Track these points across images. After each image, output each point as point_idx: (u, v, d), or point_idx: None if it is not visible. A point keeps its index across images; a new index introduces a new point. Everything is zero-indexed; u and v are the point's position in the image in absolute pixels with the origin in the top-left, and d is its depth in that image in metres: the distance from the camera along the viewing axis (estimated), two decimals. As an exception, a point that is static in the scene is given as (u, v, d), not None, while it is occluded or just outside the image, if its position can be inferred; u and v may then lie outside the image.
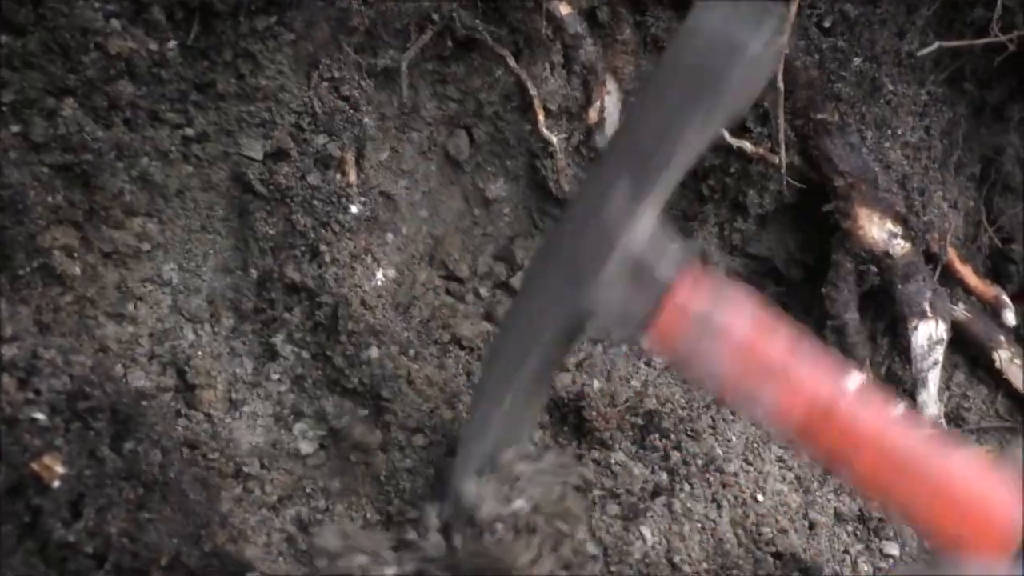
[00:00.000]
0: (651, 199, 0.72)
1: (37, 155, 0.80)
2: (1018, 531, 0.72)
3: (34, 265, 0.81)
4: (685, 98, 0.71)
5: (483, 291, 1.48)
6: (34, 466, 0.59)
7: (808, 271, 1.40)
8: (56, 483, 0.59)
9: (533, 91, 1.29)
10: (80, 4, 0.81)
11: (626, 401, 1.18)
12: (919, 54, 1.14)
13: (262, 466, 0.95)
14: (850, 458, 0.73)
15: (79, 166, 0.83)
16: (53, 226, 0.85)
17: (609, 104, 1.33)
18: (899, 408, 0.77)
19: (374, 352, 1.06)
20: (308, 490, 0.99)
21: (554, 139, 1.30)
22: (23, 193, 0.75)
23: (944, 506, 0.73)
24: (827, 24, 1.19)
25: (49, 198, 0.82)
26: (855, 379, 0.76)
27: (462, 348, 1.25)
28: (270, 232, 1.08)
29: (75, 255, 0.88)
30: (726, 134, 1.23)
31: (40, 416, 0.61)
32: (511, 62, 1.27)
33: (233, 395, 1.03)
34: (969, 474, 0.74)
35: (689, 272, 0.73)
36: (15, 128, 0.79)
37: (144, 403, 0.72)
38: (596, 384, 1.23)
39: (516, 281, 1.46)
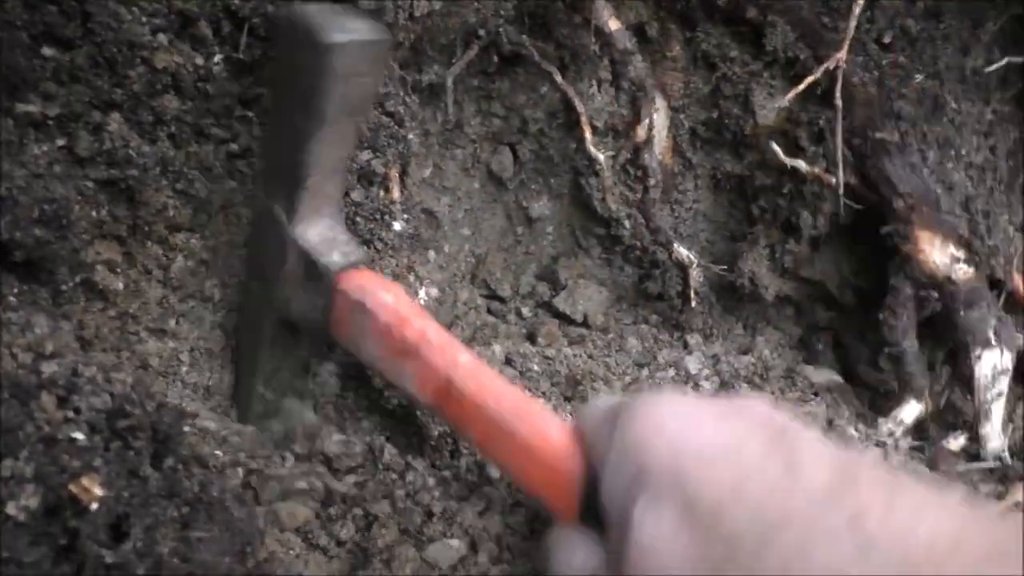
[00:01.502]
0: (305, 205, 0.83)
1: (82, 169, 0.80)
2: (573, 492, 0.72)
3: (77, 280, 0.81)
4: (289, 103, 0.79)
5: (525, 311, 1.46)
6: (72, 488, 0.57)
7: (863, 295, 1.36)
8: (94, 505, 0.57)
9: (580, 108, 1.27)
10: (128, 18, 0.80)
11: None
12: (987, 71, 1.09)
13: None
14: (467, 427, 0.78)
15: (124, 181, 0.82)
16: (97, 241, 0.84)
17: (658, 121, 1.30)
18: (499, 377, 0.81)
19: (415, 373, 1.03)
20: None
21: (601, 157, 1.28)
22: (67, 208, 0.75)
23: (531, 471, 0.75)
24: (887, 40, 1.15)
25: (93, 213, 0.82)
26: (466, 355, 0.80)
27: (508, 365, 1.23)
28: (312, 249, 1.07)
29: (118, 270, 0.87)
30: (779, 152, 1.20)
31: (79, 436, 0.59)
32: (558, 78, 1.25)
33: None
34: (548, 435, 0.74)
35: (359, 270, 0.85)
36: (60, 142, 0.78)
37: (184, 421, 0.70)
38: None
39: (559, 301, 1.43)
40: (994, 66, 1.10)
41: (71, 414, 0.62)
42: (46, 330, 0.68)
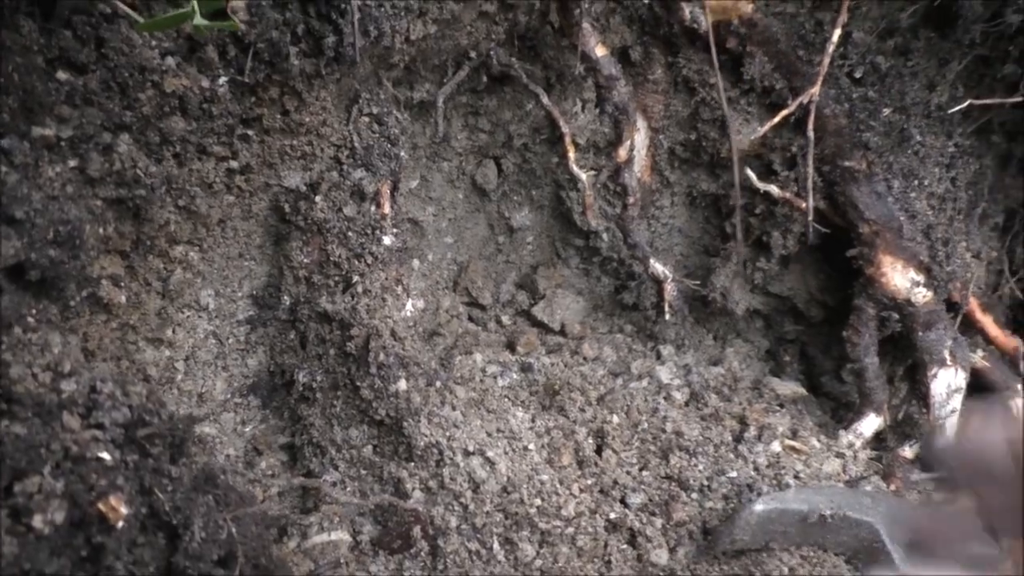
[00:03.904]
0: None
1: (92, 189, 0.82)
2: None
3: (83, 295, 0.83)
4: None
5: (505, 319, 1.50)
6: (100, 506, 0.60)
7: (828, 312, 1.42)
8: (120, 523, 0.60)
9: (564, 127, 1.31)
10: (139, 43, 0.82)
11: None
12: (950, 111, 1.16)
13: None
14: None
15: (132, 200, 0.85)
16: (102, 256, 0.86)
17: (638, 141, 1.35)
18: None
19: (403, 384, 1.07)
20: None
21: (583, 175, 1.32)
22: (80, 228, 0.77)
23: None
24: (858, 75, 1.21)
25: (101, 230, 0.84)
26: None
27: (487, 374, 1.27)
28: (305, 261, 1.10)
29: (121, 284, 0.89)
30: (753, 177, 1.25)
31: (105, 456, 0.62)
32: (544, 98, 1.29)
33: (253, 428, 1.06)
34: None
35: None
36: (72, 163, 0.80)
37: (195, 427, 0.74)
38: (615, 419, 1.24)
39: (538, 310, 1.48)
40: (957, 107, 1.16)
41: (98, 432, 0.65)
42: (60, 348, 0.71)
